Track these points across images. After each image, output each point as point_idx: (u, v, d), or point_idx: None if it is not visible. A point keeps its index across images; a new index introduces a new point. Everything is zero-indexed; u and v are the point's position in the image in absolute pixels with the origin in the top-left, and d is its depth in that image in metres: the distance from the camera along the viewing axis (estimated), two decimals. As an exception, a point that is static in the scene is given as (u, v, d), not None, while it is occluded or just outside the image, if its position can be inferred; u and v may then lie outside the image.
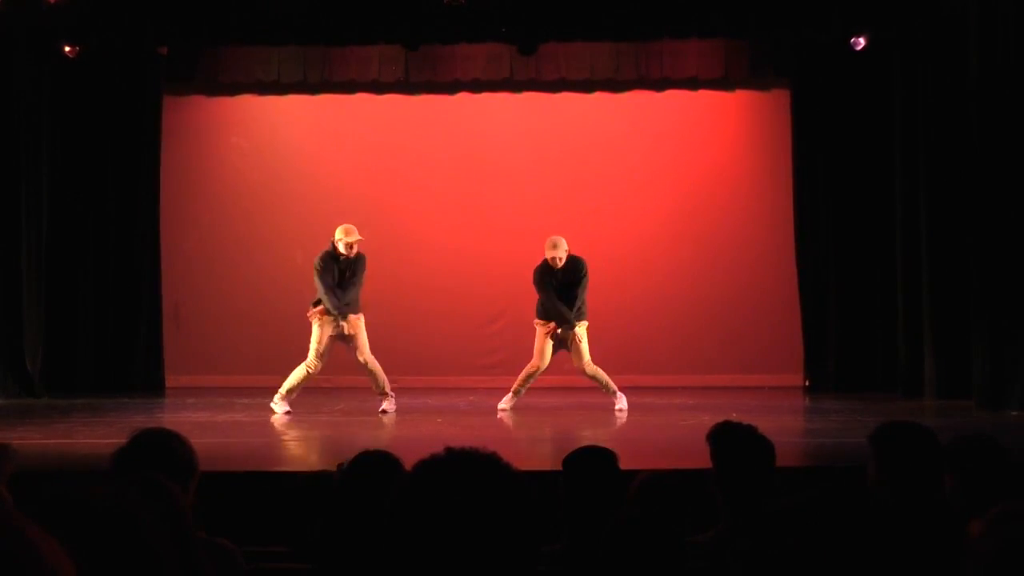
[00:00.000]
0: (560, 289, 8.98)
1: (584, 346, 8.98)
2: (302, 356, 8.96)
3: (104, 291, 10.92)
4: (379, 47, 11.01)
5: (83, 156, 10.84)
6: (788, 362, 10.95)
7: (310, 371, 8.84)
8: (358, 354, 8.90)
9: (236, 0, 9.46)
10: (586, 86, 11.52)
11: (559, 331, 8.97)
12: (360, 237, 8.87)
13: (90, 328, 10.83)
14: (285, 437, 7.99)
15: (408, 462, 2.37)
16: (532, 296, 9.15)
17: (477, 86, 11.53)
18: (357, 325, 8.92)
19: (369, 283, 9.13)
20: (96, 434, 7.55)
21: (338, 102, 11.67)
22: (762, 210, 11.43)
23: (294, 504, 4.27)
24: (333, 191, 11.49)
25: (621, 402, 8.93)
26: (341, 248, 8.82)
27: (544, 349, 9.01)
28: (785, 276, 10.94)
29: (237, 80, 11.52)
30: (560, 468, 3.63)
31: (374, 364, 8.89)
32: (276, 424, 8.40)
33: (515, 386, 9.02)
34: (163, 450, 3.03)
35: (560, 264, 8.97)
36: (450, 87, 11.56)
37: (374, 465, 3.28)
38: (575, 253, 9.17)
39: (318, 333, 8.89)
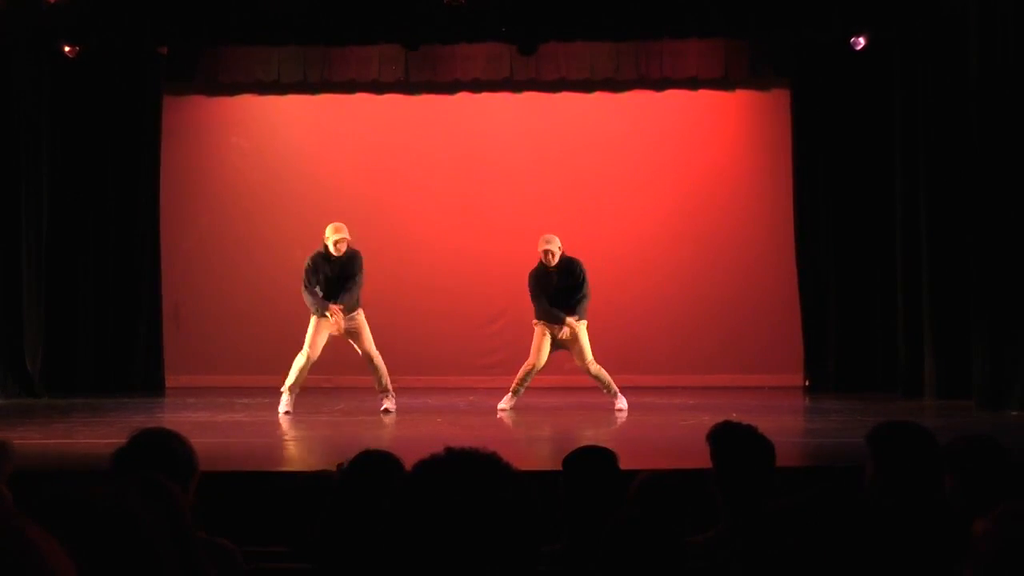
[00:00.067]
0: (557, 292, 8.98)
1: (586, 345, 8.97)
2: (303, 356, 8.99)
3: (104, 291, 10.92)
4: (379, 47, 11.01)
5: (83, 156, 10.84)
6: (788, 362, 10.95)
7: (304, 361, 8.83)
8: (362, 348, 8.90)
9: (236, 0, 9.46)
10: (586, 86, 11.53)
11: (558, 334, 8.98)
12: (345, 236, 8.85)
13: (90, 328, 10.83)
14: (285, 437, 7.99)
15: (408, 462, 2.38)
16: (532, 296, 9.15)
17: (477, 86, 11.53)
18: (359, 322, 8.92)
19: (369, 283, 9.13)
20: (96, 434, 7.55)
21: (338, 102, 11.67)
22: (762, 210, 11.43)
23: (294, 504, 4.26)
24: (333, 191, 11.49)
25: (621, 402, 8.93)
26: (330, 247, 8.83)
27: (541, 347, 9.01)
28: (785, 276, 10.94)
29: (237, 80, 11.52)
30: (560, 468, 3.63)
31: (378, 359, 8.89)
32: (276, 424, 8.40)
33: (514, 385, 9.02)
34: (163, 450, 3.03)
35: (554, 261, 8.97)
36: (450, 87, 11.56)
37: (374, 465, 3.28)
38: (575, 253, 9.18)
39: (314, 325, 8.90)
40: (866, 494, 3.35)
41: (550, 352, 9.09)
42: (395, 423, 8.48)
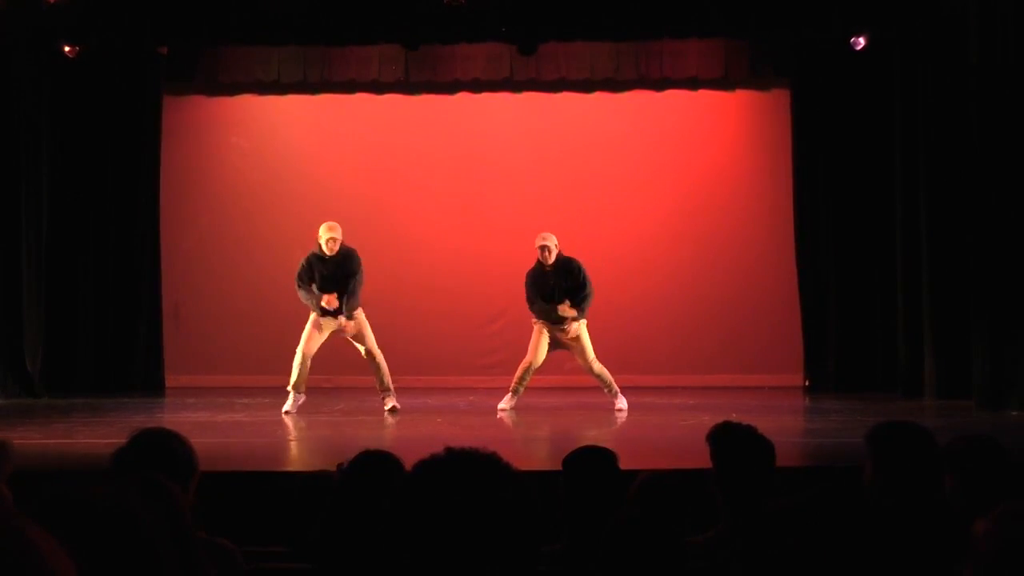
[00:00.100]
0: (554, 292, 8.97)
1: (587, 344, 8.97)
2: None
3: (104, 291, 10.92)
4: (379, 47, 11.01)
5: (83, 156, 10.84)
6: (788, 362, 10.96)
7: (299, 357, 8.83)
8: (365, 347, 8.91)
9: (236, 0, 9.46)
10: (586, 86, 11.53)
11: (557, 334, 8.99)
12: (336, 235, 8.85)
13: (90, 328, 10.83)
14: (285, 437, 7.99)
15: (408, 462, 2.37)
16: (532, 296, 9.15)
17: (477, 86, 11.54)
18: (360, 321, 8.93)
19: (369, 283, 9.13)
20: (96, 434, 7.55)
21: (338, 102, 11.67)
22: (762, 210, 11.43)
23: (294, 504, 4.26)
24: (333, 191, 11.49)
25: (621, 402, 8.93)
26: (322, 245, 8.85)
27: (539, 345, 9.01)
28: (785, 276, 10.94)
29: (237, 80, 11.53)
30: (560, 468, 3.63)
31: (380, 358, 8.90)
32: (276, 424, 8.40)
33: (513, 385, 9.02)
34: (163, 450, 3.03)
35: (550, 259, 8.96)
36: (450, 87, 11.57)
37: (374, 465, 3.28)
38: (575, 253, 9.18)
39: (312, 323, 8.90)
40: (865, 494, 3.35)
41: (549, 351, 9.10)
42: (395, 423, 8.48)
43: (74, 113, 10.78)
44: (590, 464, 3.59)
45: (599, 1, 9.48)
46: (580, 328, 8.99)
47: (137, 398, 10.18)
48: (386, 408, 8.88)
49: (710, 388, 10.63)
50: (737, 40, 11.06)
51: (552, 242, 8.99)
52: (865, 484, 3.38)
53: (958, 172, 9.23)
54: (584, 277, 9.02)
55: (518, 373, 9.02)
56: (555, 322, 9.00)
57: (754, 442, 3.49)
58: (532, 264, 9.12)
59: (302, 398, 8.87)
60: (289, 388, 8.85)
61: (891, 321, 10.36)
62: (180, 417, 8.46)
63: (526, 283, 9.07)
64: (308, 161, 11.67)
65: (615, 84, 11.50)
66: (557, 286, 8.98)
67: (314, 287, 8.87)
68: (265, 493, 5.40)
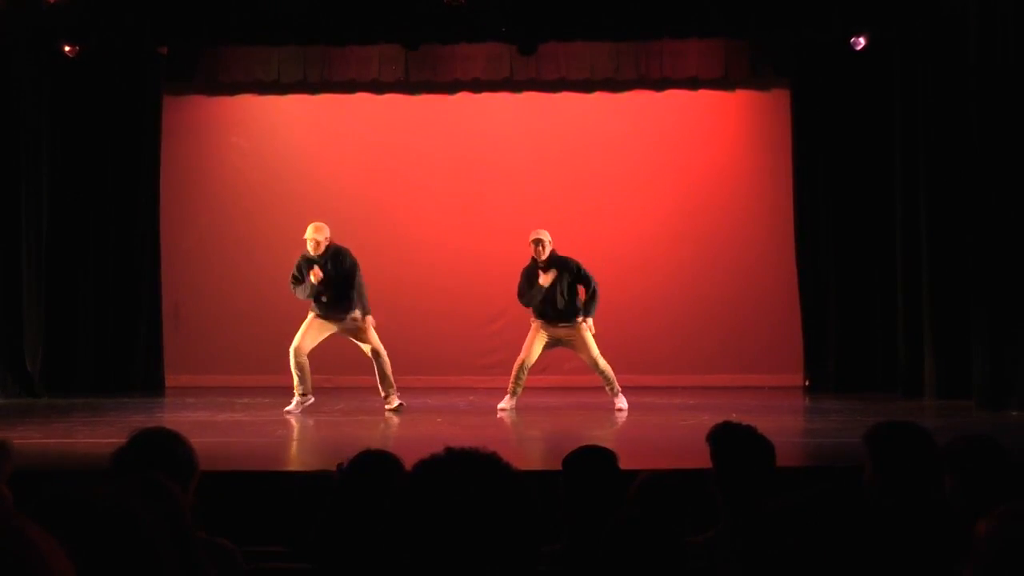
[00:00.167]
0: (553, 290, 8.96)
1: (590, 342, 8.97)
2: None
3: (104, 291, 10.92)
4: (379, 47, 11.01)
5: (83, 156, 10.84)
6: (788, 362, 10.96)
7: (292, 358, 8.82)
8: (369, 346, 8.91)
9: (236, 0, 9.46)
10: (586, 86, 11.53)
11: (554, 334, 9.00)
12: (316, 236, 8.84)
13: (90, 328, 10.83)
14: (285, 437, 7.98)
15: (408, 462, 2.37)
16: (532, 296, 9.16)
17: (477, 86, 11.54)
18: (359, 320, 8.93)
19: (369, 283, 9.12)
20: (96, 434, 7.54)
21: (338, 102, 11.67)
22: (762, 210, 11.44)
23: (294, 504, 4.27)
24: (333, 191, 11.50)
25: (621, 402, 8.93)
26: (308, 246, 8.86)
27: (533, 343, 9.01)
28: (785, 276, 10.94)
29: (237, 80, 11.53)
30: (560, 468, 3.63)
31: (385, 356, 8.89)
32: (276, 424, 8.40)
33: (510, 385, 9.01)
34: (163, 450, 3.03)
35: (544, 254, 8.97)
36: (450, 87, 11.57)
37: (374, 465, 3.28)
38: (576, 253, 9.18)
39: (308, 322, 8.91)
40: (865, 494, 3.35)
41: (547, 349, 9.10)
42: (395, 423, 8.48)
43: (74, 113, 10.78)
44: (590, 464, 3.59)
45: (599, 1, 9.47)
46: (582, 327, 8.98)
47: (137, 398, 10.18)
48: (392, 407, 8.87)
49: (710, 388, 10.63)
50: (737, 40, 11.06)
51: (545, 237, 9.00)
52: (864, 484, 3.38)
53: (958, 172, 9.23)
54: (585, 273, 9.01)
55: (513, 372, 9.02)
56: (552, 320, 8.99)
57: (754, 442, 3.49)
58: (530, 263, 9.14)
59: (310, 399, 8.86)
60: (298, 393, 8.83)
61: (891, 321, 10.36)
62: (180, 417, 8.46)
63: (520, 280, 9.07)
64: (308, 161, 11.68)
65: (615, 84, 11.51)
66: (554, 283, 8.96)
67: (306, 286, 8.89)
68: (265, 493, 5.40)
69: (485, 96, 11.63)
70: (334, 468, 3.46)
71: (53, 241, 10.63)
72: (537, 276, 9.00)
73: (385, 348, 8.99)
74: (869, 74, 10.51)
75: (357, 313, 8.95)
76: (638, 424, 8.43)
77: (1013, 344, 8.51)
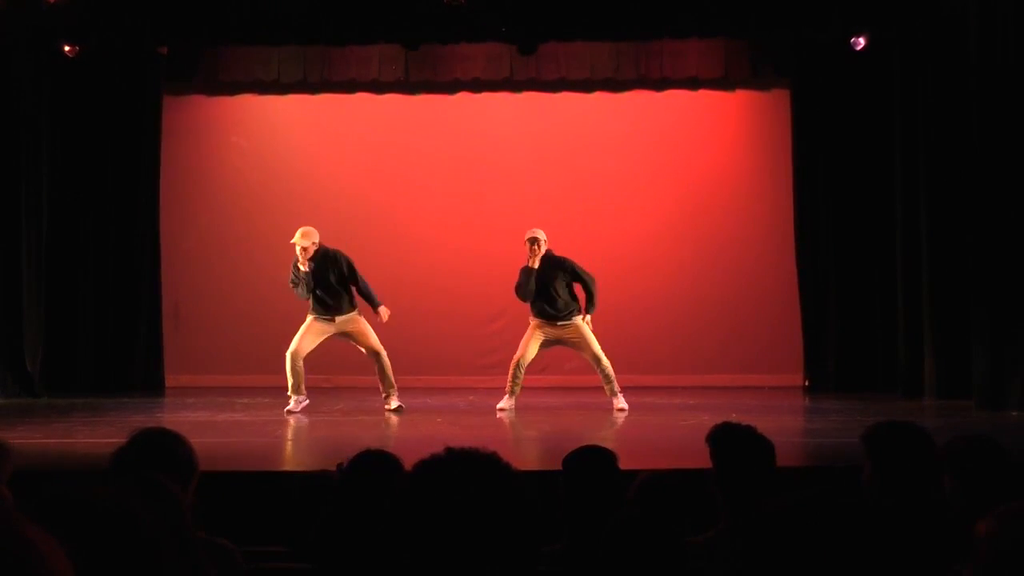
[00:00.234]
0: (545, 287, 8.96)
1: (592, 340, 8.96)
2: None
3: (104, 291, 10.92)
4: (379, 47, 11.01)
5: (83, 156, 10.84)
6: (788, 362, 10.96)
7: (288, 360, 8.83)
8: (367, 347, 8.91)
9: (236, 0, 9.46)
10: (586, 86, 11.53)
11: (552, 333, 9.00)
12: (303, 243, 8.83)
13: (90, 328, 10.83)
14: (285, 437, 7.98)
15: (408, 462, 2.38)
16: (532, 296, 9.16)
17: (477, 86, 11.54)
18: (360, 323, 8.94)
19: (369, 283, 9.11)
20: (96, 434, 7.54)
21: (338, 102, 11.67)
22: (762, 210, 11.44)
23: (294, 504, 4.27)
24: (333, 191, 11.50)
25: (621, 402, 8.93)
26: (297, 253, 8.87)
27: (529, 342, 9.01)
28: (785, 276, 10.94)
29: (237, 80, 11.53)
30: (560, 468, 3.63)
31: (384, 357, 8.89)
32: (276, 424, 8.40)
33: (508, 385, 9.00)
34: (163, 450, 3.03)
35: (540, 251, 8.98)
36: (450, 87, 11.57)
37: (374, 465, 3.29)
38: (575, 253, 9.19)
39: (307, 324, 8.92)
40: (864, 494, 3.35)
41: (546, 348, 9.10)
42: (395, 423, 8.48)
43: (74, 113, 10.78)
44: (590, 464, 3.59)
45: (599, 1, 9.47)
46: (582, 325, 8.99)
47: (137, 398, 10.18)
48: (391, 408, 8.88)
49: (710, 388, 10.63)
50: (737, 40, 11.06)
51: (540, 235, 9.02)
52: (863, 484, 3.38)
53: (958, 172, 9.23)
54: (581, 271, 9.02)
55: (510, 371, 9.02)
56: (551, 319, 9.00)
57: (754, 442, 3.49)
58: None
59: (304, 400, 8.87)
60: (289, 393, 8.85)
61: (891, 321, 10.36)
62: (180, 417, 8.46)
63: (520, 272, 9.07)
64: (308, 161, 11.68)
65: (615, 84, 11.51)
66: (550, 281, 8.96)
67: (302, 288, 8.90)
68: (265, 493, 5.40)
69: (485, 96, 11.63)
70: (334, 468, 3.46)
71: (53, 241, 10.63)
72: (527, 276, 9.00)
73: (385, 348, 8.99)
74: (869, 74, 10.51)
75: (357, 315, 8.96)
76: (638, 424, 8.43)
77: (1013, 344, 8.51)
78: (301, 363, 8.85)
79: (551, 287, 8.96)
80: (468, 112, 11.68)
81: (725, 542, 3.29)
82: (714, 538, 3.37)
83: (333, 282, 8.87)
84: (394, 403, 8.91)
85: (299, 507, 3.87)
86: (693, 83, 11.48)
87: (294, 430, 8.17)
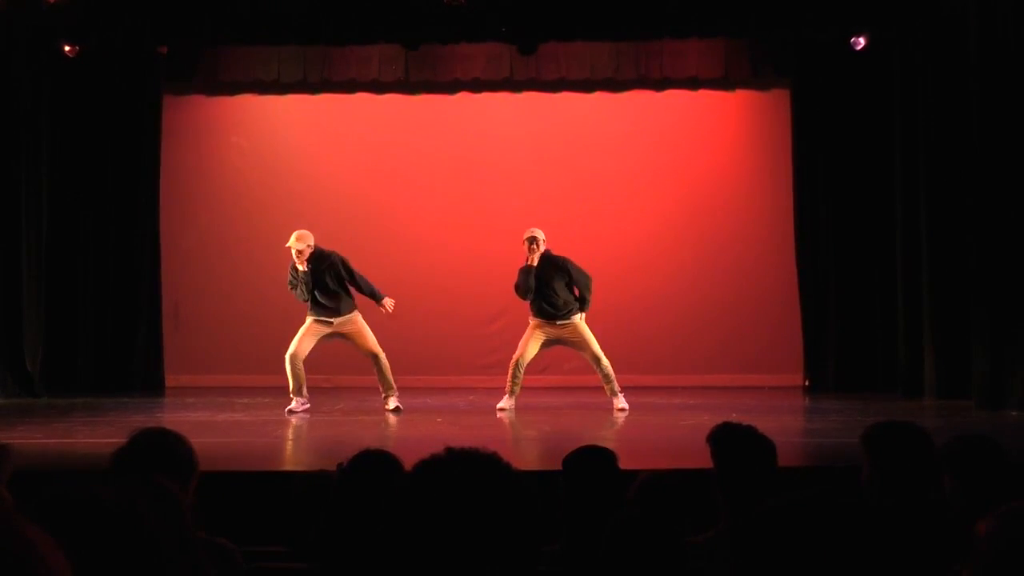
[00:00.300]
0: (542, 285, 8.96)
1: (590, 338, 8.96)
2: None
3: (104, 291, 10.92)
4: (379, 47, 11.01)
5: (83, 156, 10.85)
6: (788, 362, 10.96)
7: (287, 363, 8.83)
8: (365, 349, 8.92)
9: (236, 0, 9.46)
10: (586, 86, 11.53)
11: (552, 333, 9.01)
12: (298, 246, 8.83)
13: (90, 328, 10.83)
14: (285, 437, 7.98)
15: (408, 462, 2.38)
16: (532, 296, 9.16)
17: (477, 86, 11.54)
18: (358, 323, 8.94)
19: (369, 279, 9.11)
20: (96, 434, 7.54)
21: (338, 102, 11.67)
22: (762, 210, 11.44)
23: (294, 504, 4.27)
24: (333, 191, 11.51)
25: (621, 402, 8.93)
26: (293, 256, 8.87)
27: (529, 341, 9.01)
28: (785, 276, 10.95)
29: (237, 80, 11.53)
30: (560, 468, 3.63)
31: (383, 358, 8.89)
32: (276, 424, 8.40)
33: (508, 385, 9.00)
34: (163, 450, 3.03)
35: (539, 250, 8.99)
36: (450, 87, 11.57)
37: (374, 465, 3.28)
38: (575, 253, 9.20)
39: (306, 327, 8.93)
40: (863, 494, 3.35)
41: (545, 348, 9.10)
42: (395, 423, 8.48)
43: (74, 113, 10.79)
44: (590, 464, 3.59)
45: (599, 1, 9.48)
46: (580, 323, 8.99)
47: (137, 398, 10.18)
48: (389, 408, 8.88)
49: (710, 388, 10.63)
50: (737, 40, 11.06)
51: (540, 235, 9.03)
52: (862, 484, 3.38)
53: (958, 172, 9.23)
54: (577, 269, 9.02)
55: (509, 371, 9.02)
56: (550, 319, 9.00)
57: (755, 442, 3.49)
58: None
59: (306, 403, 8.87)
60: (291, 395, 8.85)
61: (891, 321, 10.36)
62: (180, 417, 8.46)
63: (519, 272, 9.08)
64: (308, 161, 11.67)
65: (615, 84, 11.51)
66: (548, 280, 8.97)
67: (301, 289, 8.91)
68: (265, 493, 5.40)
69: (485, 96, 11.63)
70: (334, 468, 3.46)
71: (53, 241, 10.63)
72: (527, 274, 9.00)
73: (385, 348, 8.99)
74: (869, 74, 10.51)
75: (356, 316, 8.96)
76: (638, 424, 8.43)
77: (1013, 344, 8.51)
78: (301, 365, 8.86)
79: (550, 286, 8.97)
80: (468, 112, 11.68)
81: (725, 542, 3.29)
82: (714, 538, 3.37)
83: (330, 284, 8.87)
84: (392, 404, 8.91)
85: (299, 507, 3.87)
86: (693, 83, 11.48)
87: (294, 430, 8.17)
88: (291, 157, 11.70)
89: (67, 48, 10.02)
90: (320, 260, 8.89)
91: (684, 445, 6.71)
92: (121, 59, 10.74)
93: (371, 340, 8.93)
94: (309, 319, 8.97)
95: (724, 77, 11.41)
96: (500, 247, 10.92)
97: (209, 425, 8.08)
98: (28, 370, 10.26)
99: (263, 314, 11.11)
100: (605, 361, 8.94)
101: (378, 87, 11.56)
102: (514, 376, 9.00)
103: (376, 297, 9.01)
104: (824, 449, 7.12)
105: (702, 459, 3.67)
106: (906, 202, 10.06)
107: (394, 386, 8.94)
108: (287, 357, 8.84)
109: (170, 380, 11.00)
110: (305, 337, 8.91)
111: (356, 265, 9.03)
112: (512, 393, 8.99)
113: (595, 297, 9.11)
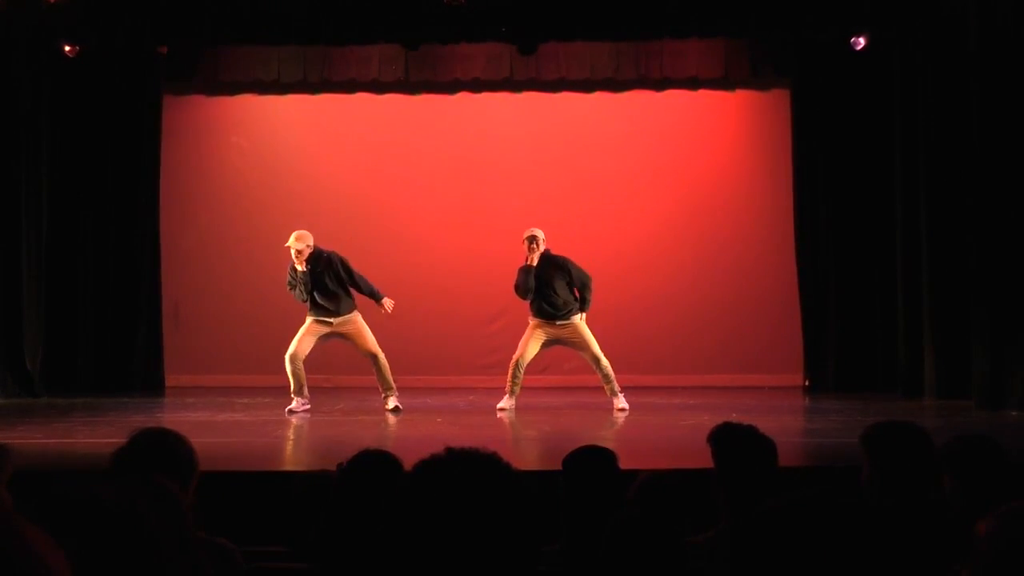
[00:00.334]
0: (546, 286, 8.96)
1: (590, 339, 8.96)
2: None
3: (104, 291, 10.92)
4: (379, 47, 11.01)
5: (83, 156, 10.85)
6: (788, 362, 10.96)
7: (287, 363, 8.83)
8: (364, 349, 8.92)
9: (236, 0, 9.46)
10: (586, 86, 11.53)
11: (551, 333, 9.01)
12: (298, 246, 8.84)
13: (90, 328, 10.83)
14: (285, 437, 7.98)
15: (408, 462, 2.38)
16: (532, 296, 9.16)
17: (477, 86, 11.54)
18: (358, 324, 8.95)
19: (369, 279, 9.11)
20: (96, 434, 7.55)
21: (338, 102, 11.67)
22: (762, 210, 11.44)
23: (294, 504, 4.27)
24: (333, 191, 11.50)
25: (621, 402, 8.93)
26: (292, 256, 8.87)
27: (528, 341, 9.01)
28: (785, 276, 10.95)
29: (237, 80, 11.53)
30: (560, 468, 3.63)
31: (382, 358, 8.89)
32: (276, 424, 8.40)
33: (508, 385, 9.00)
34: (163, 450, 3.03)
35: (538, 249, 8.99)
36: (450, 87, 11.57)
37: (374, 465, 3.29)
38: (575, 253, 9.20)
39: (305, 327, 8.93)
40: (863, 494, 3.35)
41: (545, 349, 9.10)
42: (395, 423, 8.48)
43: (74, 113, 10.79)
44: (590, 464, 3.59)
45: (599, 1, 9.47)
46: (579, 323, 8.99)
47: (137, 398, 10.18)
48: (388, 408, 8.88)
49: (710, 388, 10.63)
50: (737, 40, 11.06)
51: (539, 234, 9.03)
52: (862, 484, 3.38)
53: (958, 172, 9.23)
54: (577, 268, 9.02)
55: (509, 371, 9.02)
56: (550, 319, 9.00)
57: (756, 442, 3.49)
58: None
59: (307, 403, 8.86)
60: (292, 395, 8.85)
61: (891, 321, 10.36)
62: (180, 417, 8.46)
63: (518, 272, 9.08)
64: (308, 161, 11.67)
65: (615, 84, 11.51)
66: (548, 280, 8.97)
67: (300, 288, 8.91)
68: (265, 493, 5.40)
69: (485, 96, 11.63)
70: (334, 468, 3.46)
71: (53, 241, 10.63)
72: (527, 274, 9.00)
73: (385, 348, 8.99)
74: (869, 74, 10.51)
75: (355, 316, 8.96)
76: (638, 424, 8.43)
77: (1013, 344, 8.51)
78: (301, 365, 8.86)
79: (550, 286, 8.97)
80: (468, 112, 11.67)
81: (725, 542, 3.29)
82: (714, 538, 3.37)
83: (330, 285, 8.87)
84: (392, 403, 8.91)
85: (299, 507, 3.87)
86: (693, 83, 11.48)
87: (294, 430, 8.17)
88: (291, 157, 11.70)
89: (67, 48, 10.02)
90: (319, 260, 8.89)
91: (684, 445, 6.71)
92: (121, 59, 10.74)
93: (370, 340, 8.93)
94: (309, 319, 8.97)
95: (724, 77, 11.41)
96: (500, 247, 10.92)
97: (209, 425, 8.08)
98: (28, 370, 10.26)
99: (263, 314, 11.11)
100: (605, 361, 8.94)
101: (378, 87, 11.56)
102: (514, 376, 9.00)
103: (375, 297, 9.02)
104: (824, 449, 7.12)
105: (702, 459, 3.67)
106: (906, 202, 10.06)
107: (393, 386, 8.94)
108: (287, 357, 8.85)
109: (170, 380, 11.00)
110: (305, 337, 8.91)
111: (356, 265, 9.03)
112: (512, 393, 8.99)
113: (595, 297, 9.11)
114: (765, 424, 3.79)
